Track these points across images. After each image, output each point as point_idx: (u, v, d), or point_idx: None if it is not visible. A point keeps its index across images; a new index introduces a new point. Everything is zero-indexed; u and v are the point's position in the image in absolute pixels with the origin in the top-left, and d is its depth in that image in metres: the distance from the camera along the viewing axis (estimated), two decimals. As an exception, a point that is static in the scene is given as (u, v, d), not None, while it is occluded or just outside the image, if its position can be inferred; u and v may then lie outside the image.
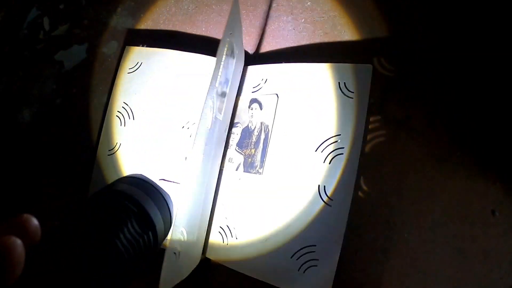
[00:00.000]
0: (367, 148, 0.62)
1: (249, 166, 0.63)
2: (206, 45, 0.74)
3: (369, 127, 0.63)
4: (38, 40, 0.84)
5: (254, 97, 0.66)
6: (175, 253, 0.49)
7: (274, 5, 0.73)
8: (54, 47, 0.83)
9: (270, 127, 0.63)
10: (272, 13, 0.74)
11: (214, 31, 0.76)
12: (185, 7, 0.76)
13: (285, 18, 0.72)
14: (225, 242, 0.62)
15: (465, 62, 0.65)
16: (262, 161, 0.63)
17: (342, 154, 0.59)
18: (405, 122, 0.66)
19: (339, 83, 0.61)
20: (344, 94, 0.60)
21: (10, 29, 0.85)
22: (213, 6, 0.76)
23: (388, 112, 0.65)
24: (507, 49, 0.63)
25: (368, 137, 0.63)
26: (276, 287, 0.59)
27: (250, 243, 0.61)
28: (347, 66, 0.61)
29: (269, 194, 0.62)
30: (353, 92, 0.60)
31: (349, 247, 0.62)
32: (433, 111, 0.66)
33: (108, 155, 0.67)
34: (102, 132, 0.68)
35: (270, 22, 0.74)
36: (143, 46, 0.72)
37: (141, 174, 0.48)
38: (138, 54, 0.69)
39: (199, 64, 0.68)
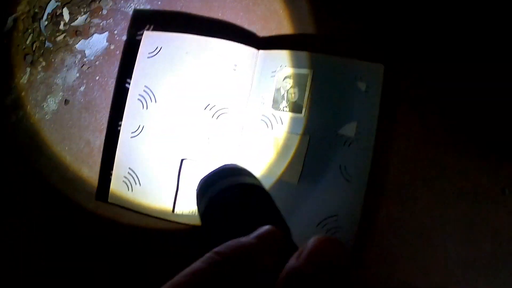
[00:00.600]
0: (381, 132, 0.65)
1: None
2: (222, 30, 0.76)
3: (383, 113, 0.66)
4: (59, 30, 0.86)
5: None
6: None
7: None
8: (75, 37, 0.85)
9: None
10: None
11: (229, 16, 0.77)
12: (201, -8, 0.78)
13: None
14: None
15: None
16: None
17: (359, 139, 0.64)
18: (417, 104, 0.68)
19: (355, 76, 0.65)
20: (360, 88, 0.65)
21: (31, 21, 0.87)
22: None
23: (401, 97, 0.67)
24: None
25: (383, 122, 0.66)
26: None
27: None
28: (361, 63, 0.66)
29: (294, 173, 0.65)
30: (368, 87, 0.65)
31: (364, 221, 0.64)
32: (444, 94, 0.67)
33: (131, 137, 0.69)
34: (124, 115, 0.70)
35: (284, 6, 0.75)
36: (162, 31, 0.73)
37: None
38: (157, 39, 0.71)
39: (217, 48, 0.70)
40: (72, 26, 0.86)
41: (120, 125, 0.72)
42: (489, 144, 0.66)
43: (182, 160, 0.67)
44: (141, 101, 0.70)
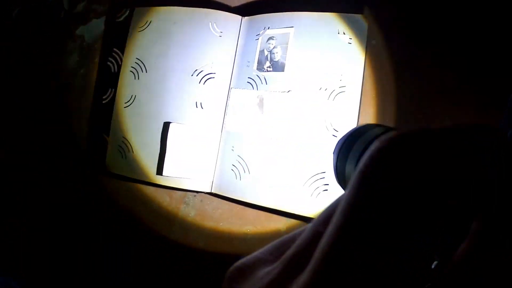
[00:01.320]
0: (368, 87, 0.65)
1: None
2: (211, 2, 0.78)
3: (373, 67, 0.65)
4: (60, 19, 0.89)
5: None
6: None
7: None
8: (75, 24, 0.89)
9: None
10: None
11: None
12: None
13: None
14: (238, 178, 0.66)
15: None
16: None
17: (344, 91, 0.64)
18: (409, 61, 0.67)
19: (337, 30, 0.65)
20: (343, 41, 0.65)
21: (34, 11, 0.91)
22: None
23: (391, 53, 0.67)
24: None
25: (372, 76, 0.65)
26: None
27: (263, 177, 0.64)
28: (344, 16, 0.65)
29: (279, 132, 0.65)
30: (351, 39, 0.64)
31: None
32: (437, 49, 0.66)
33: (125, 107, 0.71)
34: (118, 87, 0.72)
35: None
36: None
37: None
38: (147, 14, 0.74)
39: (204, 17, 0.71)
40: (72, 13, 0.89)
41: (104, 99, 0.75)
42: (486, 97, 0.65)
43: (167, 124, 0.68)
44: (133, 73, 0.72)
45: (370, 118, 0.66)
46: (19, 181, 0.85)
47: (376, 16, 0.66)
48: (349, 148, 0.34)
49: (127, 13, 0.76)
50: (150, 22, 0.73)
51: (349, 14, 0.65)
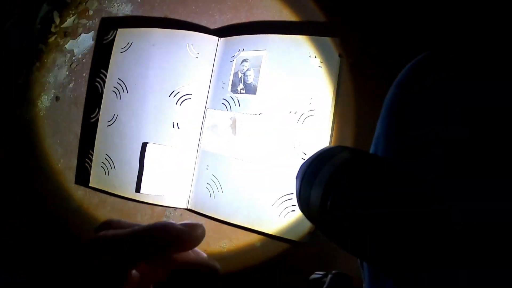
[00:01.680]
0: (341, 109, 0.66)
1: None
2: (192, 24, 0.80)
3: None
4: (51, 32, 0.92)
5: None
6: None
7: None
8: (65, 38, 0.91)
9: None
10: None
11: (203, 8, 0.81)
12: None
13: None
14: (212, 196, 0.68)
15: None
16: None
17: (314, 115, 0.65)
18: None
19: (309, 53, 0.66)
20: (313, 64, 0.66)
21: (25, 25, 0.94)
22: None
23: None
24: None
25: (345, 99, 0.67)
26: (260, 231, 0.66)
27: (235, 195, 0.67)
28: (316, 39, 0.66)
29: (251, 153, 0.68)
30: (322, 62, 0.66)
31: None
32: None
33: (108, 126, 0.74)
34: (101, 106, 0.75)
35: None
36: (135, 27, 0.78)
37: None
38: (129, 35, 0.76)
39: (182, 38, 0.73)
40: (62, 27, 0.92)
41: (92, 117, 0.78)
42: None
43: (144, 144, 0.71)
44: (115, 92, 0.75)
45: (342, 140, 0.68)
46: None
47: (346, 39, 0.67)
48: (314, 173, 0.33)
49: (115, 34, 0.78)
50: (131, 43, 0.75)
51: (320, 38, 0.66)
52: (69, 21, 0.92)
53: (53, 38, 0.92)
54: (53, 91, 0.90)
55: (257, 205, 0.66)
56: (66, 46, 0.91)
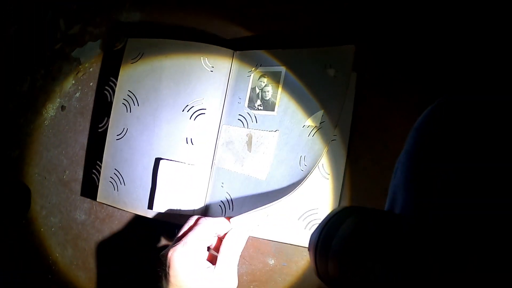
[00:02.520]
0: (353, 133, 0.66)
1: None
2: (203, 34, 0.77)
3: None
4: (56, 40, 0.89)
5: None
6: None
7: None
8: (71, 46, 0.88)
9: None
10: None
11: (212, 20, 0.78)
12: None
13: None
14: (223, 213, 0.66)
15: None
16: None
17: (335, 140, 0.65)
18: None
19: (324, 64, 0.63)
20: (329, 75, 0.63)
21: (31, 32, 0.91)
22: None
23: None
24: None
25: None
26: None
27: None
28: (330, 49, 0.64)
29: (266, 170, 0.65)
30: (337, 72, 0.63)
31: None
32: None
33: (117, 139, 0.71)
34: (110, 119, 0.72)
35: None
36: (144, 38, 0.75)
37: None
38: (139, 45, 0.73)
39: (196, 51, 0.71)
40: (68, 35, 0.89)
41: (101, 127, 0.75)
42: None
43: (157, 160, 0.68)
44: (125, 105, 0.72)
45: (358, 156, 0.66)
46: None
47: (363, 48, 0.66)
48: (326, 247, 0.33)
49: (125, 43, 0.75)
50: (142, 54, 0.72)
51: (337, 47, 0.63)
52: (75, 28, 0.88)
53: (58, 45, 0.89)
54: (58, 100, 0.87)
55: (284, 218, 0.66)
56: (72, 54, 0.87)
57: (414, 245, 0.29)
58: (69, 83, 0.86)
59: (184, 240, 0.52)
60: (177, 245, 0.51)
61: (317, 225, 0.62)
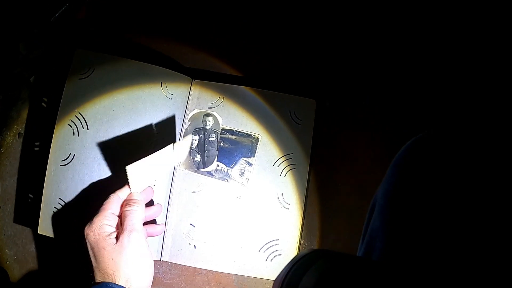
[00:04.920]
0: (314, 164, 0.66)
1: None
2: (161, 57, 0.71)
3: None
4: (16, 65, 0.82)
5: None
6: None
7: None
8: (30, 71, 0.82)
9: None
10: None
11: (173, 48, 0.72)
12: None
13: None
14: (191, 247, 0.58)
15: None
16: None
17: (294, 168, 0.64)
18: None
19: (289, 111, 0.65)
20: (294, 121, 0.65)
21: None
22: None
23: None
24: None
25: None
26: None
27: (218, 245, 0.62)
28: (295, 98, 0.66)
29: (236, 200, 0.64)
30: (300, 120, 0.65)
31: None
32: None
33: (61, 165, 0.63)
34: (52, 142, 0.64)
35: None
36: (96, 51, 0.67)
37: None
38: (90, 60, 0.65)
39: (157, 74, 0.65)
40: (29, 59, 0.82)
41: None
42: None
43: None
44: (71, 127, 0.64)
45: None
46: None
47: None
48: (294, 284, 0.31)
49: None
50: (93, 70, 0.65)
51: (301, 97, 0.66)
52: (36, 53, 0.82)
53: (18, 70, 0.82)
54: (16, 127, 0.79)
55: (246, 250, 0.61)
56: (31, 79, 0.81)
57: None
58: (26, 109, 0.79)
59: (93, 218, 0.53)
60: (86, 226, 0.52)
61: (279, 256, 0.57)
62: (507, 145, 0.32)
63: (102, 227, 0.51)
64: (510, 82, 0.63)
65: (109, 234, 0.51)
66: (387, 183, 0.38)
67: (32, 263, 0.73)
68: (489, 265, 0.28)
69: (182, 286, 0.66)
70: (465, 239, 0.29)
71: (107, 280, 0.49)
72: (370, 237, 0.39)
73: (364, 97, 0.69)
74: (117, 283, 0.48)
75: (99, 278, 0.50)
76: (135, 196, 0.55)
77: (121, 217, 0.54)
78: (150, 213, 0.57)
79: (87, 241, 0.52)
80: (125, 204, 0.54)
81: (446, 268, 0.29)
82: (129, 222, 0.52)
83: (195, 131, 0.64)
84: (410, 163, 0.37)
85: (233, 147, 0.64)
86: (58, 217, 0.63)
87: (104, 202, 0.54)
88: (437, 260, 0.30)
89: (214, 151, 0.64)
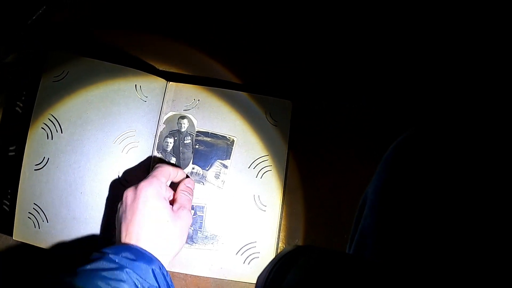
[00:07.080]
0: (291, 165, 0.66)
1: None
2: (135, 60, 0.69)
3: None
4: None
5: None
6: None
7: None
8: (10, 74, 0.78)
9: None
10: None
11: (148, 51, 0.71)
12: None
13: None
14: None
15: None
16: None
17: (271, 170, 0.63)
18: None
19: (265, 112, 0.64)
20: (270, 123, 0.64)
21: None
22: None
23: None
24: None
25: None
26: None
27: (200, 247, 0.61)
28: (272, 99, 0.65)
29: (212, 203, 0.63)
30: (276, 121, 0.64)
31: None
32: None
33: (35, 170, 0.61)
34: (26, 145, 0.61)
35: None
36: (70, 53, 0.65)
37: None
38: (64, 62, 0.63)
39: (132, 77, 0.63)
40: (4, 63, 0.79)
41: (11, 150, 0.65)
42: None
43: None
44: (45, 130, 0.61)
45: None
46: None
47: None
48: (277, 281, 0.29)
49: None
50: (67, 72, 0.63)
51: (277, 99, 0.65)
52: (10, 57, 0.79)
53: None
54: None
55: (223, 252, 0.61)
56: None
57: None
58: (1, 114, 0.76)
59: (149, 177, 0.52)
60: (143, 181, 0.51)
61: (256, 259, 0.56)
62: (496, 142, 0.32)
63: (162, 188, 0.51)
64: (500, 82, 0.64)
65: (166, 198, 0.52)
66: (378, 179, 0.38)
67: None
68: (485, 263, 0.27)
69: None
70: (460, 235, 0.29)
71: (131, 242, 0.46)
72: (360, 234, 0.38)
73: (360, 97, 0.69)
74: (141, 247, 0.46)
75: (126, 239, 0.47)
76: (192, 185, 0.58)
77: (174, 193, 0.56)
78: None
79: (130, 195, 0.50)
80: (185, 187, 0.56)
81: (438, 264, 0.28)
82: (187, 204, 0.54)
83: (170, 134, 0.63)
84: (400, 159, 0.36)
85: (209, 150, 0.62)
86: (33, 222, 0.60)
87: (159, 169, 0.53)
88: (429, 256, 0.29)
89: (189, 154, 0.62)
